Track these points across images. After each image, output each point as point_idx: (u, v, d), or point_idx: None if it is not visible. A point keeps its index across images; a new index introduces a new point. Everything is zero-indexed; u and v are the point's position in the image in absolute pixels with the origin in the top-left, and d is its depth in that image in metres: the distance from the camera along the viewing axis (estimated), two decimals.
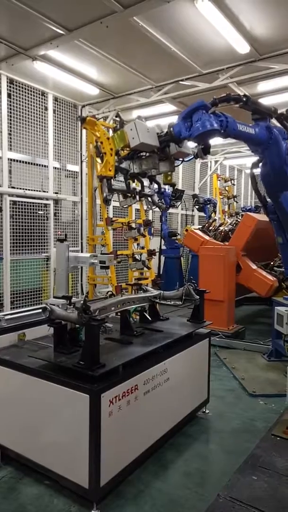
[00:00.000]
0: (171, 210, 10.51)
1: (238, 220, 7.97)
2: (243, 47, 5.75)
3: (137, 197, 6.16)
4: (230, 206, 11.85)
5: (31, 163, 7.23)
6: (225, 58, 6.15)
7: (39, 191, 7.33)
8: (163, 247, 9.81)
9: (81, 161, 8.23)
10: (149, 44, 5.68)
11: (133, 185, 6.69)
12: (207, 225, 8.22)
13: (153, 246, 7.40)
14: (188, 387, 3.57)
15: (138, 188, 6.40)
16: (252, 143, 3.50)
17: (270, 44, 5.76)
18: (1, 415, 3.00)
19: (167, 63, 6.35)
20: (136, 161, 3.25)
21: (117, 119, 3.23)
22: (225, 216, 11.20)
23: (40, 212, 7.29)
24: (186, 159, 3.32)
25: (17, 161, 6.95)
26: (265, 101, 3.81)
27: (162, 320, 3.92)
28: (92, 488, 2.48)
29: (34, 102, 7.18)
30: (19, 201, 6.81)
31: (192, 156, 3.28)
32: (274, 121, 3.54)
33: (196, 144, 3.13)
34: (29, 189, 7.04)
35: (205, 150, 3.12)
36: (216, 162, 12.93)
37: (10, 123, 6.77)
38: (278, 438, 3.37)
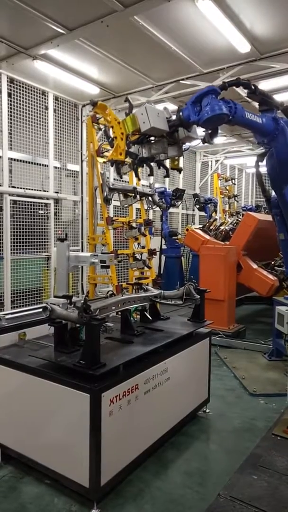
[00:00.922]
0: (171, 210, 10.51)
1: (239, 219, 7.97)
2: (243, 46, 5.74)
3: (138, 196, 6.20)
4: (231, 205, 11.84)
5: (32, 163, 7.23)
6: (225, 57, 6.14)
7: (40, 190, 7.33)
8: (164, 247, 9.81)
9: (82, 161, 8.22)
10: (150, 43, 5.68)
11: (133, 184, 6.70)
12: (207, 224, 8.21)
13: (154, 245, 7.40)
14: (189, 387, 3.57)
15: (139, 187, 6.42)
16: (259, 133, 3.51)
17: (270, 43, 5.76)
18: (1, 414, 3.00)
19: (168, 62, 6.34)
20: (146, 145, 3.26)
21: (127, 103, 3.25)
22: (225, 215, 11.19)
23: (40, 212, 7.29)
24: (193, 144, 3.31)
25: (17, 160, 6.95)
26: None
27: (163, 320, 3.92)
28: (93, 487, 2.48)
29: (34, 101, 7.18)
30: (19, 201, 6.81)
31: (200, 141, 3.29)
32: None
33: (204, 130, 3.17)
34: (29, 189, 7.03)
35: (212, 135, 3.17)
36: (216, 161, 12.93)
37: (11, 123, 6.76)
38: (278, 438, 3.36)
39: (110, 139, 3.40)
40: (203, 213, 11.57)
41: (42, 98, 7.36)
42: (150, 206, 6.89)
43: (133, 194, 6.15)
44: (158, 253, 8.21)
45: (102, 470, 2.49)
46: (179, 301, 3.77)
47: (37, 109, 7.23)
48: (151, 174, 3.63)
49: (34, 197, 7.08)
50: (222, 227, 7.93)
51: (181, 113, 3.11)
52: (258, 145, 11.34)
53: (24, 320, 3.44)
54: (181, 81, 6.91)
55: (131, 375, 2.76)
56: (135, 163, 3.41)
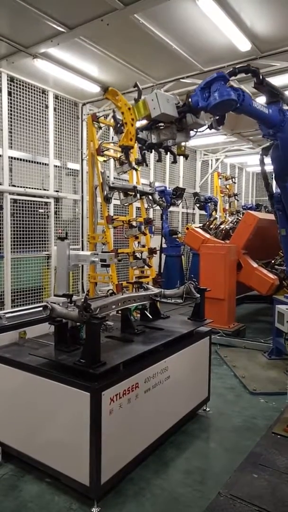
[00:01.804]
0: (172, 209, 10.50)
1: (239, 218, 7.96)
2: (244, 45, 5.73)
3: (138, 195, 6.20)
4: (231, 204, 11.83)
5: (32, 161, 7.22)
6: (226, 55, 6.13)
7: (40, 189, 7.33)
8: (164, 246, 9.81)
9: (82, 159, 8.22)
10: (150, 41, 5.67)
11: (134, 183, 6.69)
12: (208, 223, 8.20)
13: (154, 244, 7.40)
14: (189, 385, 3.57)
15: (139, 186, 6.42)
16: (265, 124, 3.58)
17: (271, 42, 5.74)
18: (2, 412, 3.01)
19: (168, 61, 6.33)
20: (154, 131, 3.30)
21: (136, 89, 3.30)
22: (226, 214, 11.19)
23: (40, 210, 7.29)
24: (201, 130, 3.37)
25: (17, 159, 6.95)
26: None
27: (163, 318, 3.92)
28: (93, 485, 2.48)
29: (34, 100, 7.17)
30: (19, 199, 6.81)
31: (207, 127, 3.32)
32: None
33: (210, 117, 3.21)
34: (29, 187, 7.03)
35: (220, 122, 3.21)
36: (217, 160, 12.92)
37: (11, 121, 6.76)
38: (278, 436, 3.37)
39: (119, 124, 3.43)
40: (203, 212, 11.56)
41: (42, 96, 7.35)
42: (150, 205, 6.90)
43: (133, 193, 6.15)
44: (158, 252, 8.21)
45: (103, 468, 2.50)
46: (179, 300, 3.77)
47: (37, 108, 7.23)
48: (159, 160, 3.69)
49: (34, 196, 7.08)
50: (222, 226, 7.92)
51: (190, 99, 3.15)
52: (258, 144, 11.30)
53: (25, 319, 3.44)
54: (181, 80, 6.90)
55: (132, 374, 2.77)
56: (143, 149, 3.45)
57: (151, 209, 8.36)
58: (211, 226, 7.97)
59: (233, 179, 12.14)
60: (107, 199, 5.90)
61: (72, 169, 8.24)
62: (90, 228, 6.25)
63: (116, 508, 2.56)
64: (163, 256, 9.70)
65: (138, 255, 6.58)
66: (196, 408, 3.72)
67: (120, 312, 3.44)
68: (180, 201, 10.09)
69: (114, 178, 7.87)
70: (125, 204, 6.45)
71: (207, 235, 7.37)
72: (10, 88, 6.72)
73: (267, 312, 8.24)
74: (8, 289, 6.60)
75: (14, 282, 6.71)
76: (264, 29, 5.40)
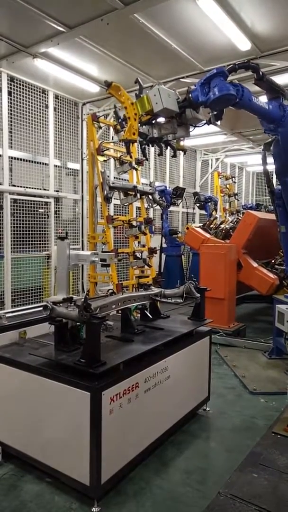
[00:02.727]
0: (172, 208, 10.50)
1: (239, 218, 7.95)
2: (244, 44, 5.73)
3: (138, 195, 6.20)
4: (231, 204, 11.82)
5: (32, 161, 7.22)
6: (226, 55, 6.12)
7: (40, 189, 7.33)
8: (164, 245, 9.81)
9: (82, 159, 8.22)
10: (150, 41, 5.66)
11: (134, 182, 6.69)
12: (208, 223, 8.20)
13: (154, 244, 7.40)
14: (189, 385, 3.57)
15: (139, 186, 6.41)
16: (265, 119, 3.65)
17: (271, 41, 5.74)
18: (2, 412, 3.01)
19: (168, 60, 6.33)
20: (156, 126, 3.38)
21: (137, 85, 3.39)
22: (226, 214, 11.18)
23: (41, 210, 7.29)
24: (199, 125, 3.46)
25: (17, 159, 6.94)
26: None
27: (163, 318, 3.91)
28: (93, 485, 2.48)
29: (34, 100, 7.17)
30: (19, 199, 6.81)
31: (205, 122, 3.41)
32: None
33: (209, 112, 3.30)
34: (30, 187, 7.03)
35: (217, 117, 3.29)
36: (217, 160, 12.91)
37: (11, 121, 6.76)
38: (278, 436, 3.37)
39: (120, 120, 3.52)
40: (203, 212, 11.55)
41: (42, 96, 7.35)
42: (150, 204, 6.89)
43: (134, 193, 6.15)
44: (158, 251, 8.21)
45: (103, 468, 2.50)
46: (179, 299, 3.76)
47: (37, 108, 7.23)
48: (160, 154, 3.77)
49: (34, 196, 7.08)
50: (222, 226, 7.92)
51: (190, 94, 3.23)
52: (258, 143, 11.31)
53: (25, 319, 3.44)
54: (181, 80, 6.89)
55: (132, 374, 2.77)
56: (143, 143, 3.53)
57: (151, 209, 8.36)
58: (211, 226, 7.97)
59: (233, 179, 12.13)
60: (107, 199, 5.90)
61: (72, 169, 8.24)
62: (90, 228, 6.25)
63: (116, 508, 2.56)
64: (163, 256, 9.71)
65: (138, 254, 6.58)
66: (196, 408, 3.72)
67: (120, 312, 3.43)
68: (180, 200, 10.09)
69: (114, 177, 7.86)
70: (125, 204, 6.45)
71: (207, 235, 7.37)
72: (10, 88, 6.72)
73: (267, 312, 8.24)
74: (8, 289, 6.60)
75: (14, 282, 6.71)
76: (264, 28, 5.40)
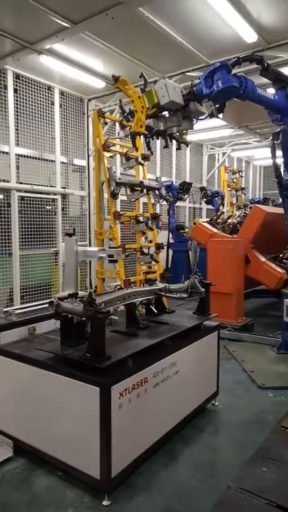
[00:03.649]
0: (178, 203, 10.46)
1: (247, 212, 7.91)
2: (250, 36, 5.66)
3: (145, 190, 6.19)
4: (238, 198, 11.76)
5: (39, 158, 7.24)
6: (232, 47, 6.06)
7: (47, 186, 7.35)
8: (171, 241, 9.79)
9: (88, 155, 8.22)
10: (155, 35, 5.62)
11: (140, 178, 6.67)
12: (215, 217, 8.17)
13: (161, 239, 7.39)
14: (198, 380, 3.58)
15: (146, 181, 6.40)
16: (271, 109, 3.71)
17: (278, 33, 5.66)
18: (13, 407, 3.05)
19: (174, 54, 6.28)
20: (161, 119, 3.46)
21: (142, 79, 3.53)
22: (233, 208, 11.13)
23: (48, 207, 7.32)
24: (201, 118, 3.55)
25: (24, 156, 6.97)
26: (272, 91, 3.95)
27: (168, 313, 3.94)
28: (104, 479, 2.51)
29: (40, 97, 7.17)
30: (27, 197, 6.84)
31: (207, 115, 3.49)
32: None
33: (211, 105, 3.38)
34: (36, 184, 7.06)
35: (220, 110, 3.39)
36: (223, 154, 12.82)
37: (17, 119, 6.77)
38: None
39: (126, 114, 3.63)
40: (210, 207, 11.51)
41: (48, 93, 7.35)
42: (157, 200, 6.88)
43: (140, 188, 6.14)
44: (165, 247, 8.20)
45: (113, 462, 2.52)
46: (184, 294, 3.77)
47: (43, 105, 7.23)
48: (166, 146, 3.85)
49: (41, 193, 7.11)
50: (229, 220, 7.88)
51: (194, 87, 3.32)
52: (265, 137, 11.19)
53: (34, 315, 3.48)
54: (187, 73, 6.84)
55: (140, 369, 2.78)
56: (148, 136, 3.62)
57: (158, 204, 8.35)
58: (218, 221, 7.94)
59: (240, 173, 12.05)
60: (113, 195, 5.90)
61: (79, 166, 8.25)
62: (97, 224, 6.26)
63: (127, 501, 2.59)
64: (170, 251, 9.69)
65: (145, 250, 6.58)
66: (205, 403, 3.73)
67: (126, 307, 3.45)
68: (187, 195, 10.04)
69: (120, 173, 7.86)
70: (132, 200, 6.44)
71: (215, 230, 7.33)
72: (16, 85, 6.73)
73: (275, 307, 8.19)
74: (17, 286, 6.66)
75: (22, 278, 6.76)
76: (271, 20, 5.32)
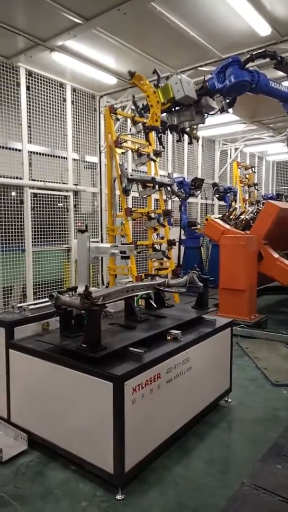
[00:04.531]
0: (190, 200, 10.41)
1: (259, 208, 7.83)
2: (264, 29, 5.58)
3: (157, 186, 6.18)
4: (251, 194, 11.65)
5: (51, 155, 7.28)
6: (245, 41, 5.99)
7: (59, 183, 7.39)
8: (183, 237, 9.76)
9: (100, 152, 8.23)
10: (167, 30, 5.59)
11: (152, 174, 6.66)
12: (227, 214, 8.10)
13: (173, 236, 7.37)
14: (210, 376, 3.57)
15: (158, 177, 6.38)
16: (286, 102, 3.79)
17: None
18: (27, 401, 3.09)
19: (186, 49, 6.24)
20: (175, 113, 3.55)
21: (155, 75, 3.67)
22: (246, 204, 11.02)
23: (60, 205, 7.36)
24: (212, 113, 3.67)
25: (36, 153, 7.01)
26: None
27: (168, 307, 4.00)
28: (117, 473, 2.52)
29: (52, 94, 7.20)
30: (39, 193, 6.89)
31: (217, 110, 3.60)
32: None
33: (222, 101, 3.50)
34: (49, 181, 7.10)
35: (230, 105, 3.51)
36: (236, 149, 12.70)
37: (30, 116, 6.82)
38: None
39: (139, 109, 3.72)
40: (222, 203, 11.42)
41: (60, 90, 7.38)
42: (169, 196, 6.87)
43: (152, 185, 6.13)
44: (177, 243, 8.18)
45: (126, 456, 2.53)
46: (182, 289, 3.85)
47: (55, 102, 7.26)
48: (179, 140, 3.93)
49: (53, 190, 7.15)
50: (242, 216, 7.81)
51: (207, 83, 3.44)
52: (278, 132, 11.02)
53: (47, 311, 3.50)
54: (199, 68, 6.78)
55: (153, 364, 2.78)
56: (160, 131, 3.71)
57: (170, 201, 8.32)
58: (230, 217, 7.87)
59: (253, 169, 11.93)
60: (125, 191, 5.91)
61: (91, 162, 8.27)
62: (109, 221, 6.28)
63: (140, 496, 2.59)
64: (182, 248, 9.66)
65: (157, 247, 6.57)
66: (218, 399, 3.72)
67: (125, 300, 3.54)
68: (199, 192, 9.98)
69: (132, 170, 7.86)
70: (144, 196, 6.44)
71: (227, 226, 7.28)
72: (28, 83, 6.77)
73: None
74: (30, 282, 6.72)
75: (35, 275, 6.82)
76: (285, 12, 5.24)
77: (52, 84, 7.18)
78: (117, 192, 6.13)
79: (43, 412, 2.97)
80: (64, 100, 7.46)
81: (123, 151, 6.27)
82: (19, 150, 6.70)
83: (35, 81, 6.88)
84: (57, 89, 7.31)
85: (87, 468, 2.74)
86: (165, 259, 6.57)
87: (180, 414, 3.16)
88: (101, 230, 8.25)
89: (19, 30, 5.59)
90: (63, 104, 7.45)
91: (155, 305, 3.91)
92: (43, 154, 7.11)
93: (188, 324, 3.56)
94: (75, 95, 7.73)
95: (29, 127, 6.84)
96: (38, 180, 6.96)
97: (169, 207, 9.03)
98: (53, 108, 7.22)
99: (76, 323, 3.13)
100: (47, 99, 7.11)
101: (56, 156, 7.42)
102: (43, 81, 7.02)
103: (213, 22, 5.48)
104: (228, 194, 10.81)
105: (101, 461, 2.60)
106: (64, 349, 2.84)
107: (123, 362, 2.68)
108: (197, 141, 4.14)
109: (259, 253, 6.47)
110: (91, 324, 2.73)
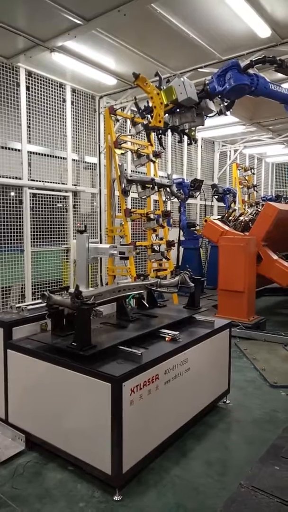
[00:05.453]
0: (189, 201, 10.42)
1: (259, 210, 7.83)
2: (264, 31, 5.59)
3: (156, 187, 6.19)
4: (250, 195, 11.65)
5: (50, 156, 7.28)
6: (245, 43, 6.00)
7: (58, 183, 7.39)
8: (182, 238, 9.76)
9: (99, 153, 8.23)
10: (167, 31, 5.60)
11: (151, 175, 6.66)
12: (226, 215, 8.11)
13: (172, 237, 7.38)
14: (209, 377, 3.57)
15: (157, 178, 6.39)
16: (287, 103, 3.88)
17: None
18: (25, 402, 3.08)
19: (186, 50, 6.25)
20: (176, 115, 3.64)
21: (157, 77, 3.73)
22: (245, 206, 11.02)
23: (59, 205, 7.36)
24: (210, 115, 3.75)
25: (36, 153, 7.01)
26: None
27: (160, 307, 4.06)
28: (115, 474, 2.52)
29: (52, 94, 7.21)
30: (38, 194, 6.89)
31: (216, 112, 3.70)
32: None
33: (220, 103, 3.60)
34: (48, 182, 7.10)
35: (228, 107, 3.63)
36: (235, 151, 12.72)
37: (29, 116, 6.81)
38: None
39: (141, 110, 3.81)
40: (221, 204, 11.42)
41: (60, 90, 7.38)
42: (168, 197, 6.87)
43: (151, 186, 6.14)
44: (176, 244, 8.18)
45: (124, 457, 2.53)
46: (174, 289, 3.91)
47: (55, 102, 7.26)
48: (180, 141, 4.04)
49: (53, 190, 7.15)
50: (241, 218, 7.82)
51: (208, 86, 3.53)
52: (278, 133, 11.04)
53: (45, 311, 3.49)
54: (199, 69, 6.79)
55: (152, 365, 2.78)
56: (160, 132, 3.81)
57: (169, 202, 8.33)
58: (230, 218, 7.88)
59: (252, 170, 11.93)
60: (125, 192, 5.91)
61: (90, 163, 8.27)
62: (108, 221, 6.28)
63: (138, 497, 2.59)
64: (181, 249, 9.66)
65: (156, 248, 6.57)
66: (216, 400, 3.72)
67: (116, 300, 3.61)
68: (198, 193, 9.99)
69: (131, 171, 7.86)
70: (143, 197, 6.44)
71: (226, 227, 7.29)
72: (28, 83, 6.77)
73: (287, 305, 8.14)
74: (29, 282, 6.72)
75: (34, 275, 6.82)
76: (285, 14, 5.25)
77: (52, 84, 7.19)
78: (117, 192, 6.13)
79: (41, 413, 2.97)
80: (64, 100, 7.47)
81: (123, 152, 6.27)
82: (19, 150, 6.69)
83: (35, 81, 6.88)
84: (57, 89, 7.31)
85: (85, 469, 2.73)
86: (164, 260, 6.57)
87: (178, 415, 3.15)
88: (100, 230, 8.25)
89: (19, 30, 5.59)
90: (62, 105, 7.45)
91: (147, 305, 3.97)
92: (42, 154, 7.11)
93: (180, 323, 3.62)
94: (75, 96, 7.73)
95: (29, 127, 6.84)
96: (37, 181, 6.95)
97: (168, 208, 9.04)
98: (52, 108, 7.23)
99: (68, 322, 3.18)
100: (47, 100, 7.11)
101: (56, 157, 7.42)
102: (43, 81, 7.02)
103: (213, 23, 5.49)
104: (228, 196, 10.81)
105: (99, 462, 2.60)
106: (56, 347, 2.89)
107: (121, 363, 2.68)
108: (195, 142, 4.19)
109: (258, 255, 6.47)
110: (80, 323, 2.80)
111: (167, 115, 3.61)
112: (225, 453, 3.13)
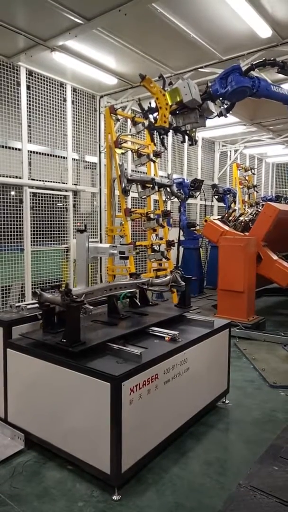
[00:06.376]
0: (190, 201, 10.41)
1: (259, 210, 7.84)
2: (264, 31, 5.58)
3: (156, 187, 6.18)
4: (250, 196, 11.65)
5: (50, 155, 7.28)
6: (245, 43, 5.99)
7: (58, 182, 7.38)
8: (182, 238, 9.76)
9: (100, 152, 8.23)
10: (168, 31, 5.59)
11: (151, 175, 6.66)
12: (226, 215, 8.11)
13: (172, 237, 7.37)
14: (208, 377, 3.57)
15: (157, 178, 6.39)
16: None
17: None
18: (25, 401, 3.08)
19: (186, 50, 6.24)
20: (179, 116, 3.73)
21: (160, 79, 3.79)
22: (245, 206, 11.02)
23: (59, 204, 7.36)
24: (210, 117, 3.84)
25: (36, 153, 7.01)
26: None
27: (151, 305, 4.10)
28: (114, 474, 2.52)
29: (52, 94, 7.20)
30: (39, 193, 6.88)
31: (216, 114, 3.79)
32: None
33: (220, 106, 3.70)
34: (48, 181, 7.10)
35: (228, 109, 3.73)
36: (236, 151, 12.71)
37: (30, 115, 6.81)
38: None
39: (145, 111, 3.86)
40: (221, 204, 11.42)
41: (60, 90, 7.37)
42: (168, 197, 6.86)
43: (151, 185, 6.13)
44: (176, 244, 8.17)
45: (123, 457, 2.53)
46: (165, 288, 3.96)
47: (55, 101, 7.25)
48: (183, 141, 4.09)
49: (53, 189, 7.15)
50: (241, 218, 7.82)
51: (210, 88, 3.63)
52: (278, 134, 11.04)
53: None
54: (199, 69, 6.79)
55: (151, 365, 2.78)
56: (162, 133, 3.87)
57: (169, 202, 8.32)
58: (230, 218, 7.88)
59: (253, 170, 11.93)
60: (125, 192, 5.91)
61: (90, 162, 8.26)
62: (108, 221, 6.28)
63: (137, 496, 2.59)
64: (181, 249, 9.66)
65: (156, 247, 6.57)
66: (215, 400, 3.72)
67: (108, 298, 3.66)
68: (198, 193, 9.98)
69: (132, 170, 7.85)
70: (143, 197, 6.44)
71: (226, 227, 7.29)
72: (29, 82, 6.76)
73: (287, 305, 8.15)
74: (29, 281, 6.71)
75: (34, 274, 6.81)
76: (286, 14, 5.24)
77: (52, 83, 7.18)
78: (117, 192, 6.13)
79: (40, 412, 2.97)
80: (64, 100, 7.46)
81: (123, 151, 6.27)
82: (19, 149, 6.69)
83: (35, 80, 6.87)
84: (58, 89, 7.30)
85: (84, 468, 2.74)
86: (164, 260, 6.57)
87: (177, 415, 3.15)
88: (100, 230, 8.24)
89: (19, 29, 5.58)
90: (63, 104, 7.44)
91: (139, 304, 4.00)
92: (42, 153, 7.10)
93: (171, 321, 3.68)
94: (75, 95, 7.72)
95: (29, 126, 6.83)
96: (37, 180, 6.95)
97: (169, 208, 9.03)
98: (53, 107, 7.22)
99: (59, 319, 3.22)
100: (47, 99, 7.10)
101: (56, 156, 7.41)
102: (44, 80, 7.02)
103: (213, 23, 5.48)
104: (228, 196, 10.81)
105: (98, 461, 2.60)
106: (46, 344, 2.93)
107: (121, 362, 2.69)
108: (196, 143, 4.24)
109: (258, 255, 6.48)
110: (70, 320, 2.84)
111: (170, 115, 3.66)
112: (224, 453, 3.14)
